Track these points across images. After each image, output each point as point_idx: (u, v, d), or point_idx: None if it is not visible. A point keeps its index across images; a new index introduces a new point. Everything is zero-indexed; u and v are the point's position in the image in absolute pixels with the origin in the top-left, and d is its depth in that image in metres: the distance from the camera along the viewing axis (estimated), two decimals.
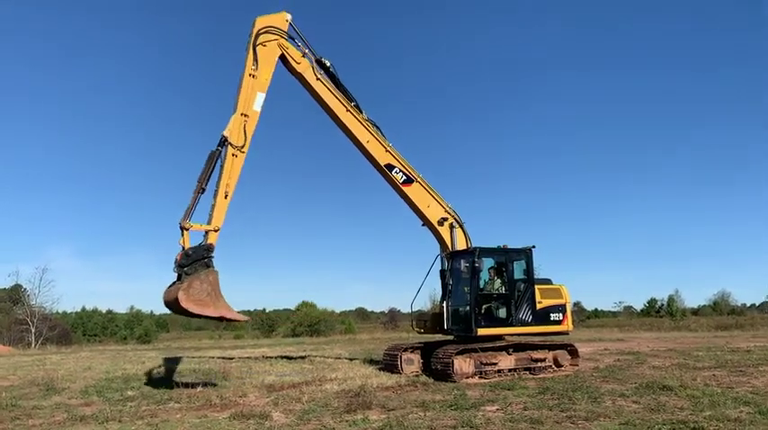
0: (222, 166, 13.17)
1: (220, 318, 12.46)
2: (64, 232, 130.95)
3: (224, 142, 13.31)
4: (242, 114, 13.71)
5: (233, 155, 13.31)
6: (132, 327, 68.57)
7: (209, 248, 12.53)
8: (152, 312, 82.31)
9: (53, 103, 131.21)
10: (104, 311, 76.72)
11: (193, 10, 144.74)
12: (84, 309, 74.24)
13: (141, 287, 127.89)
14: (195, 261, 12.25)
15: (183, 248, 12.37)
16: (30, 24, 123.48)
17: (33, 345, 43.85)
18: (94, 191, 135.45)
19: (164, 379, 15.02)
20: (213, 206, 12.90)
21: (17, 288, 57.18)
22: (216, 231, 12.79)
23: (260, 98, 14.06)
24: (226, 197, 13.06)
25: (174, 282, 12.46)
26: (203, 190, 12.96)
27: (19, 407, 11.05)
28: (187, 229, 12.54)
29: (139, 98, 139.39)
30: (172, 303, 12.04)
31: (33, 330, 46.79)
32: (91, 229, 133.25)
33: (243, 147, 13.53)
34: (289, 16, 14.99)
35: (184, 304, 11.63)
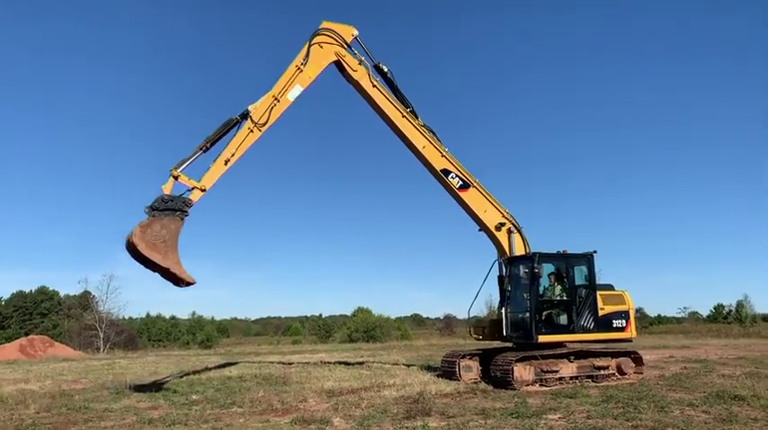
0: (235, 135, 13.42)
1: (165, 271, 11.84)
2: None
3: (246, 115, 13.61)
4: (273, 97, 14.07)
5: (250, 129, 13.60)
6: (194, 333, 70.52)
7: (187, 203, 12.48)
8: (213, 318, 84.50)
9: (129, 110, 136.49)
10: (168, 317, 79.38)
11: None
12: (148, 315, 76.94)
13: (203, 294, 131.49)
14: (169, 209, 12.17)
15: (163, 193, 12.34)
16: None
17: (102, 350, 45.57)
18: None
19: (227, 383, 15.34)
20: (210, 167, 13.08)
21: (86, 295, 59.74)
22: (202, 191, 12.82)
23: (297, 90, 14.47)
24: (226, 164, 13.21)
25: None
26: (207, 148, 13.14)
27: (91, 410, 11.48)
28: (176, 178, 12.63)
29: (204, 106, 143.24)
30: (128, 241, 11.72)
31: (102, 335, 48.57)
32: None
33: (263, 125, 13.81)
34: (355, 32, 15.50)
35: (136, 240, 11.41)
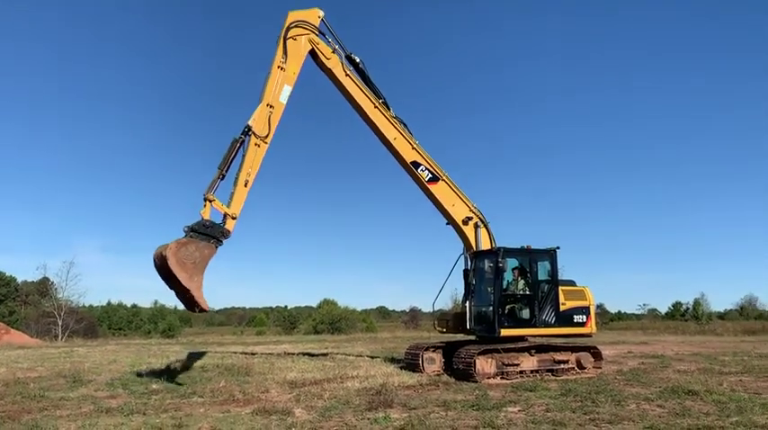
0: (244, 155, 13.26)
1: (185, 292, 11.81)
2: (91, 228, 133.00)
3: (248, 131, 13.41)
4: (268, 105, 13.85)
5: (256, 144, 13.42)
6: (156, 322, 69.51)
7: (225, 233, 12.57)
8: (176, 307, 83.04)
9: (83, 100, 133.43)
10: (129, 306, 78.14)
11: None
12: (109, 303, 75.63)
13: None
14: (207, 235, 12.26)
15: (203, 218, 12.41)
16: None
17: (60, 338, 44.59)
18: (121, 188, 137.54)
19: (188, 373, 15.18)
20: (232, 194, 12.99)
21: (45, 281, 58.35)
22: (233, 219, 12.84)
23: (287, 91, 14.22)
24: (246, 185, 13.16)
25: None
26: (223, 176, 13.04)
27: (47, 398, 11.25)
28: (211, 201, 12.63)
29: (169, 97, 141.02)
30: (160, 255, 11.84)
31: (60, 323, 47.54)
32: (117, 225, 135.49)
33: (266, 137, 13.64)
34: (321, 12, 15.18)
35: (168, 253, 11.47)
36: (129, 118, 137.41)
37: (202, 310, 12.28)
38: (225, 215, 12.74)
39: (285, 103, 14.17)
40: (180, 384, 13.03)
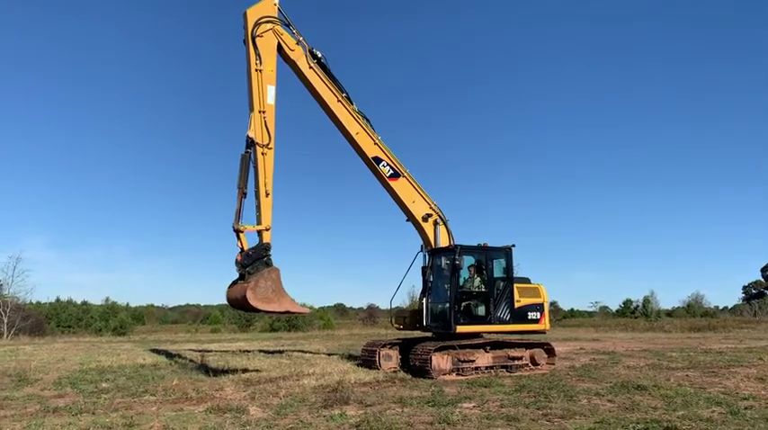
0: (256, 167, 13.60)
1: (285, 312, 13.22)
2: (39, 223, 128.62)
3: (251, 143, 13.60)
4: (260, 111, 13.93)
5: (262, 153, 13.72)
6: (107, 319, 67.69)
7: (267, 247, 13.30)
8: (128, 304, 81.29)
9: (30, 94, 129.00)
10: (79, 302, 75.80)
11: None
12: (58, 300, 73.21)
13: (117, 279, 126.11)
14: (256, 260, 13.01)
15: (242, 250, 13.05)
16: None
17: (5, 336, 43.15)
18: (71, 182, 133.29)
19: (139, 371, 14.86)
20: (258, 207, 13.47)
21: None
22: (267, 230, 13.40)
23: (271, 91, 14.25)
24: (267, 196, 13.58)
25: (235, 281, 13.30)
26: (245, 194, 13.43)
27: None
28: (242, 232, 13.21)
29: (120, 91, 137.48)
30: (238, 301, 12.89)
31: (6, 320, 45.96)
32: (67, 220, 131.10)
33: (269, 143, 13.88)
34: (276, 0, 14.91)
35: (253, 302, 12.44)
36: (81, 111, 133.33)
37: (303, 314, 13.13)
38: (259, 232, 13.38)
39: (274, 103, 14.24)
40: (131, 382, 12.74)
